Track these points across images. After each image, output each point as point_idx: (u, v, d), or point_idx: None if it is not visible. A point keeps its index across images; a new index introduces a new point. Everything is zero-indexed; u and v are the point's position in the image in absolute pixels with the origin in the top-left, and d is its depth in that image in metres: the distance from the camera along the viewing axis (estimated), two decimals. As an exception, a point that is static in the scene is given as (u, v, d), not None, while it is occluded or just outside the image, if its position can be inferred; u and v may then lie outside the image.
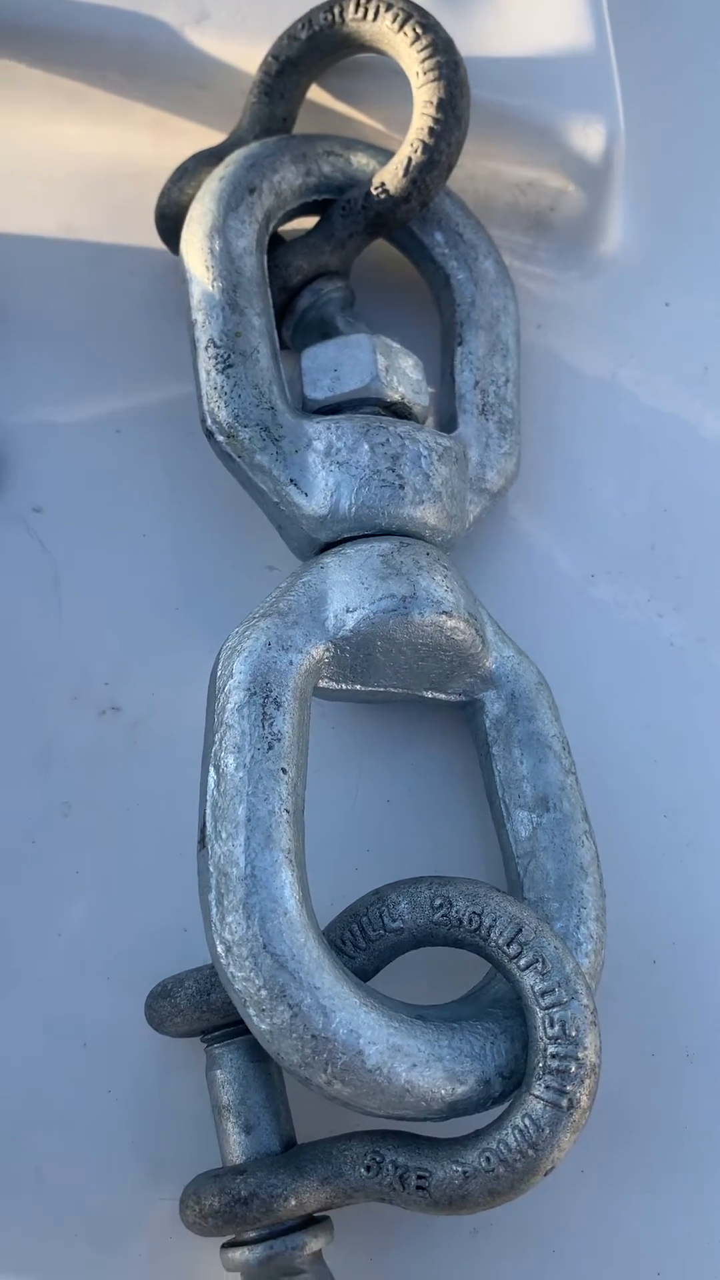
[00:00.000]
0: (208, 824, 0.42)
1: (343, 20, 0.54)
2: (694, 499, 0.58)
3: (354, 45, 0.55)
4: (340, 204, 0.55)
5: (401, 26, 0.53)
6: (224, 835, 0.42)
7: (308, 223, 0.56)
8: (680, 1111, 0.49)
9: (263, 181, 0.53)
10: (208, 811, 0.42)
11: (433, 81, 0.53)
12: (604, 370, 0.60)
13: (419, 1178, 0.42)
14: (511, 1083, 0.42)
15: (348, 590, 0.47)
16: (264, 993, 0.40)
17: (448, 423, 0.55)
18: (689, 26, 0.67)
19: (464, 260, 0.57)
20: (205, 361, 0.51)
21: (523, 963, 0.42)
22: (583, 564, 0.57)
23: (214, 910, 0.41)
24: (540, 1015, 0.42)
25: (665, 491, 0.58)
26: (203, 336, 0.51)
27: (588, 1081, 0.41)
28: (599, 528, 0.58)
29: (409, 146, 0.53)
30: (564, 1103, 0.41)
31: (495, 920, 0.43)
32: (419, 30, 0.53)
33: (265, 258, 0.53)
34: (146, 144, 0.60)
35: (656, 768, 0.54)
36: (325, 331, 0.55)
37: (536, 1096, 0.41)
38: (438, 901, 0.44)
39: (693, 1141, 0.49)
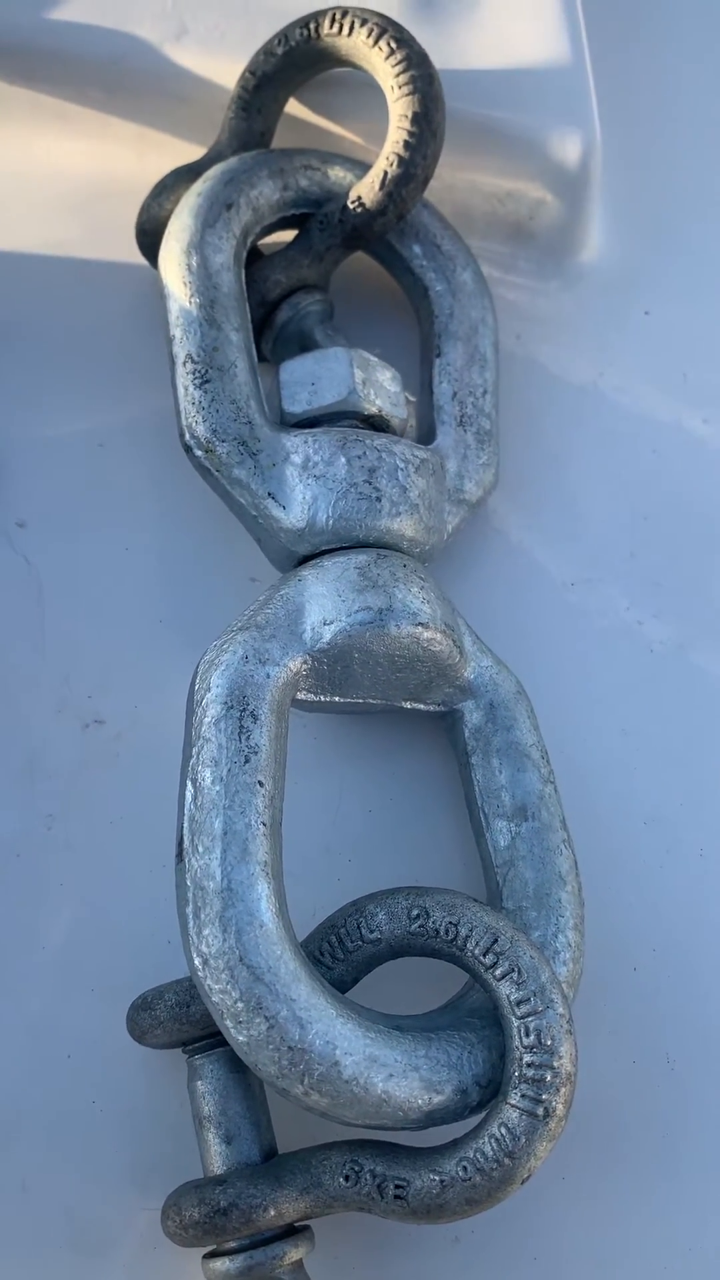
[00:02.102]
0: (185, 837, 0.42)
1: (318, 36, 0.55)
2: (674, 506, 0.59)
3: (330, 60, 0.55)
4: (318, 218, 0.55)
5: (376, 41, 0.53)
6: (200, 849, 0.42)
7: (286, 237, 0.57)
8: (662, 1118, 0.50)
9: (240, 196, 0.54)
10: (185, 825, 0.43)
11: (407, 95, 0.53)
12: (584, 379, 0.61)
13: (397, 1187, 0.42)
14: (489, 1092, 0.42)
15: (324, 603, 0.47)
16: (240, 1005, 0.40)
17: (426, 434, 0.55)
18: (664, 38, 0.68)
19: (442, 271, 0.57)
20: (183, 377, 0.51)
21: (498, 972, 0.42)
22: (563, 571, 0.57)
23: (191, 923, 0.41)
24: (516, 1024, 0.42)
25: (645, 499, 0.58)
26: (180, 352, 0.51)
27: (564, 1090, 0.41)
28: (579, 535, 0.58)
29: (385, 160, 0.53)
30: (540, 1111, 0.41)
31: (471, 930, 0.43)
32: (393, 45, 0.53)
33: (243, 272, 0.54)
34: (127, 159, 0.61)
35: (636, 775, 0.54)
36: (305, 344, 0.55)
37: (513, 1105, 0.41)
38: (415, 912, 0.44)
39: (674, 1147, 0.49)
